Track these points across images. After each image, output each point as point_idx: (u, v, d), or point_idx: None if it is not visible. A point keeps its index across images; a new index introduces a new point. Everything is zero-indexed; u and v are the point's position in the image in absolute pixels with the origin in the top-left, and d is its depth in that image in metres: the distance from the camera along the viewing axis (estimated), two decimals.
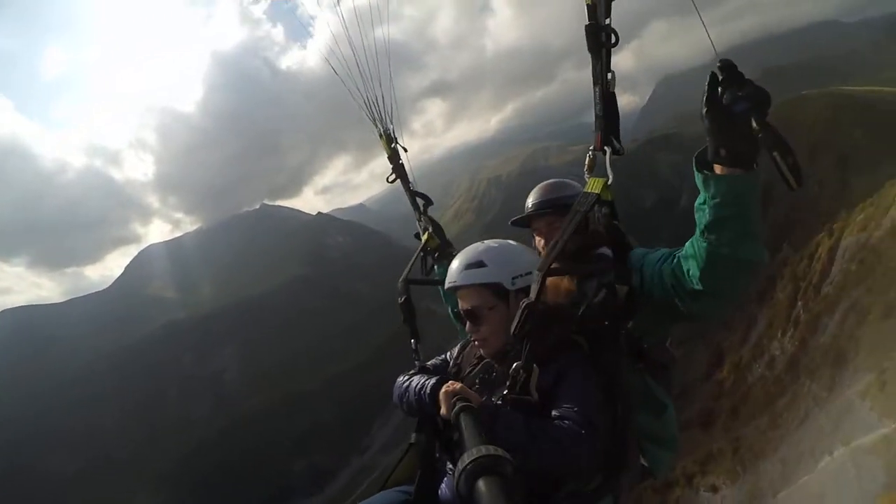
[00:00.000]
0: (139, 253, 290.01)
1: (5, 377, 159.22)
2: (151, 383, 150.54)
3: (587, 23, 2.12)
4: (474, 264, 2.50)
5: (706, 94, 1.86)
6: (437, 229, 4.14)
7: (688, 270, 2.23)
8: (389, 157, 4.29)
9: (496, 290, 2.49)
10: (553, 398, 2.25)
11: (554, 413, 2.19)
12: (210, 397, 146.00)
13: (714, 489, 29.05)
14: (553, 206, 3.08)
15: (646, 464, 2.77)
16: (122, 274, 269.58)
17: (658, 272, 2.43)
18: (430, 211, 4.30)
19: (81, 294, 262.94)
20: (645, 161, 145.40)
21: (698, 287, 2.18)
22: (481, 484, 1.27)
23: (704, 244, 2.07)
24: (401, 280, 3.69)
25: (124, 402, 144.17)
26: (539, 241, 3.20)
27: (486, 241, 2.64)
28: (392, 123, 4.27)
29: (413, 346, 3.42)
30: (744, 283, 2.18)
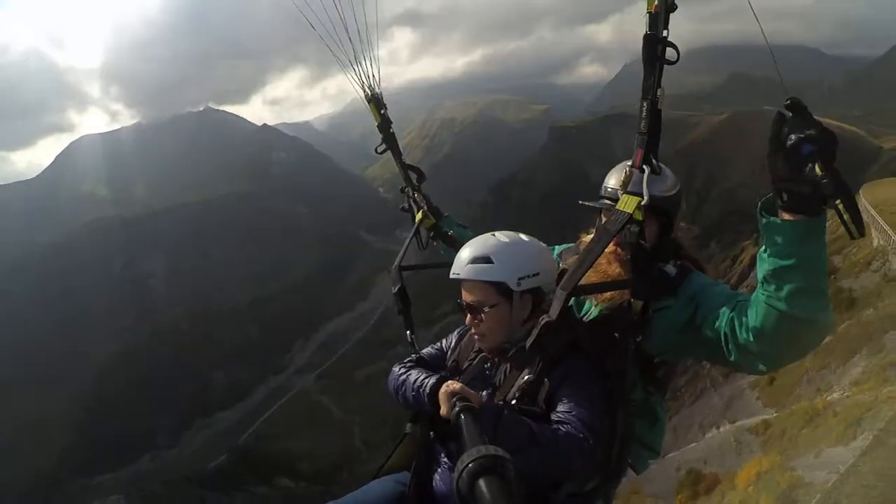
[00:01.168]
0: (71, 144, 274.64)
1: None
2: (75, 283, 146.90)
3: (646, 32, 2.05)
4: (481, 259, 2.44)
5: (771, 134, 1.77)
6: (432, 207, 3.91)
7: (744, 321, 2.11)
8: (379, 126, 3.94)
9: (500, 289, 2.44)
10: (555, 401, 2.27)
11: (555, 417, 2.21)
12: (135, 303, 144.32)
13: None
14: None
15: (630, 460, 2.77)
16: (52, 163, 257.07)
17: (715, 314, 2.30)
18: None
19: (8, 181, 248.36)
20: (600, 135, 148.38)
21: (751, 340, 2.07)
22: (481, 483, 1.26)
23: (763, 296, 1.96)
24: (393, 267, 3.46)
25: (48, 303, 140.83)
26: (585, 238, 2.99)
27: (497, 234, 2.57)
28: (380, 87, 3.92)
29: (409, 337, 3.21)
30: (803, 345, 2.09)
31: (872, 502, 6.36)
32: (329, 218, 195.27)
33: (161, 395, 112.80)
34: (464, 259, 2.49)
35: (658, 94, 2.12)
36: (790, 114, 1.76)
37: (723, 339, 2.22)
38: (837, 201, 1.70)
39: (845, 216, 1.70)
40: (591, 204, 2.89)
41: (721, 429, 25.93)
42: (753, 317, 2.04)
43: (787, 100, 1.76)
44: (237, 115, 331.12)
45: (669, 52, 2.07)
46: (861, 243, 31.24)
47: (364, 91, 3.88)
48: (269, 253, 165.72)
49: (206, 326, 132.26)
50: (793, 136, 1.72)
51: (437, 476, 2.61)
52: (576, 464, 2.10)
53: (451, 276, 2.55)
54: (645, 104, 2.15)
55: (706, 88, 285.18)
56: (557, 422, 2.17)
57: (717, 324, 2.26)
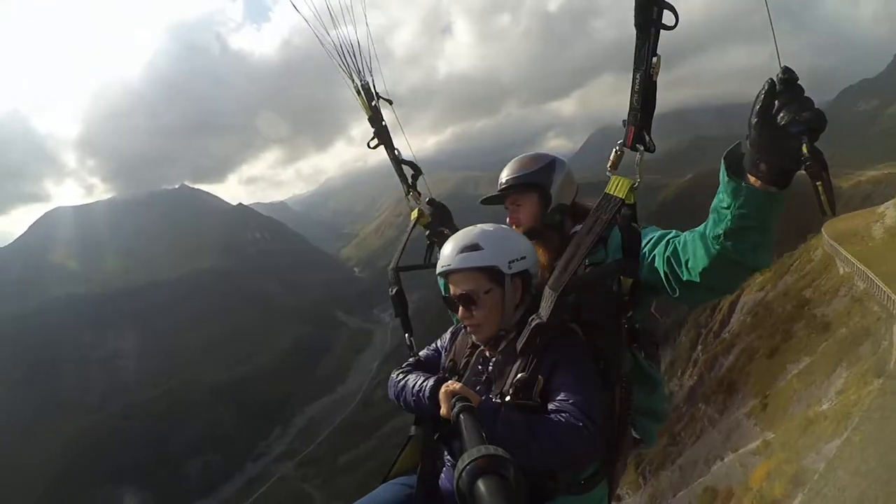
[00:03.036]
0: (44, 214, 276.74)
1: None
2: (43, 358, 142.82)
3: None
4: (469, 247, 2.43)
5: (761, 104, 1.69)
6: (441, 213, 3.77)
7: (686, 261, 2.12)
8: (370, 119, 3.69)
9: (492, 274, 2.42)
10: (550, 389, 2.25)
11: (551, 406, 2.18)
12: (103, 382, 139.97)
13: (618, 499, 32.26)
14: (527, 182, 2.89)
15: (636, 435, 2.78)
16: (25, 234, 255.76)
17: (651, 255, 2.32)
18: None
19: None
20: None
21: (696, 280, 2.09)
22: (481, 484, 1.26)
23: (717, 247, 1.96)
24: (390, 268, 3.40)
25: (11, 377, 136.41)
26: (511, 219, 3.00)
27: (480, 225, 2.58)
28: (372, 76, 3.61)
29: (406, 339, 3.17)
30: (743, 282, 2.21)
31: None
32: (304, 297, 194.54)
33: (127, 483, 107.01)
34: (451, 251, 2.48)
35: (654, 62, 1.93)
36: (781, 86, 1.65)
37: (663, 278, 2.24)
38: (818, 182, 1.65)
39: (822, 197, 1.66)
40: (491, 195, 3.08)
41: (725, 459, 26.73)
42: (700, 260, 2.04)
43: (782, 69, 1.65)
44: (212, 194, 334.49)
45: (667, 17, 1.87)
46: (827, 275, 34.75)
47: (353, 81, 3.61)
48: (245, 332, 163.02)
49: (180, 409, 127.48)
50: (783, 114, 1.65)
51: (443, 475, 2.62)
52: (578, 452, 2.11)
53: (440, 269, 2.53)
54: (638, 75, 1.97)
55: (670, 152, 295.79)
56: (554, 411, 2.16)
57: (655, 264, 2.28)
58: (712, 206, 1.97)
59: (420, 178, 3.84)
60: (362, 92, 3.61)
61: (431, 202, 3.73)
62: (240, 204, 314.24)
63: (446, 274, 2.53)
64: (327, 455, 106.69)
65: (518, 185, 2.86)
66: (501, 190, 2.98)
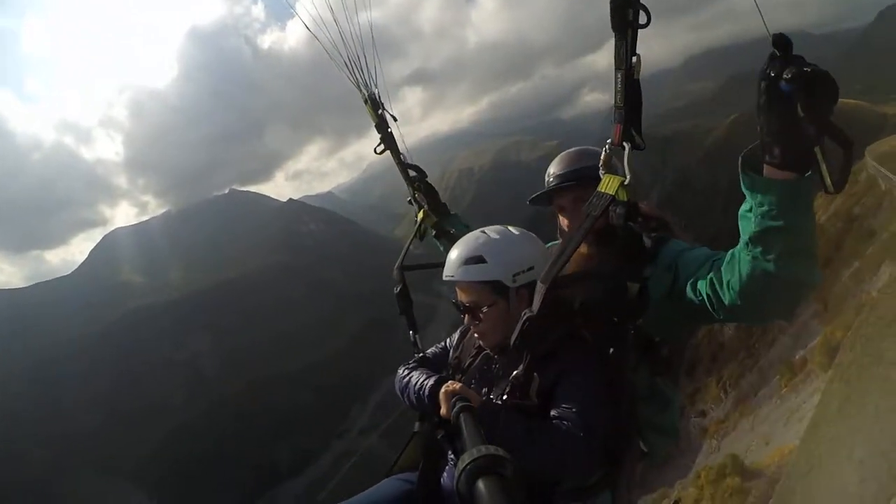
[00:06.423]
0: (104, 237, 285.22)
1: None
2: (122, 369, 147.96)
3: None
4: (473, 259, 2.38)
5: (758, 78, 1.62)
6: (434, 203, 3.87)
7: (727, 282, 2.03)
8: (377, 126, 3.87)
9: (496, 287, 2.38)
10: (554, 397, 2.22)
11: (553, 413, 2.17)
12: (185, 383, 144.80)
13: (703, 414, 32.95)
14: (579, 179, 2.73)
15: (645, 449, 2.71)
16: (87, 259, 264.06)
17: (694, 277, 2.26)
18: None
19: (43, 279, 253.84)
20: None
21: (737, 302, 2.00)
22: (481, 484, 1.26)
23: (748, 257, 1.87)
24: (395, 267, 3.46)
25: (95, 389, 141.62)
26: (563, 221, 2.90)
27: (486, 231, 2.51)
28: (377, 87, 3.84)
29: (412, 337, 3.23)
30: (792, 303, 2.01)
31: None
32: (365, 280, 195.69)
33: (221, 471, 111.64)
34: (456, 260, 2.43)
35: (633, 62, 1.93)
36: (776, 53, 1.57)
37: (707, 301, 2.16)
38: (817, 147, 1.56)
39: (821, 165, 1.57)
40: (537, 194, 2.88)
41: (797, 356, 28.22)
42: (738, 277, 1.95)
43: (772, 36, 1.57)
44: (262, 194, 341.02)
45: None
46: (872, 193, 37.59)
47: (361, 92, 3.84)
48: (314, 320, 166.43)
49: (262, 399, 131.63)
50: (772, 75, 1.56)
51: (445, 474, 2.63)
52: (575, 461, 2.07)
53: (445, 278, 2.48)
54: (619, 75, 1.96)
55: (708, 94, 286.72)
56: (556, 418, 2.14)
57: (698, 286, 2.21)
58: (739, 213, 1.89)
59: (424, 179, 3.94)
60: (369, 102, 3.84)
61: (415, 167, 3.92)
62: (290, 199, 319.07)
63: (452, 283, 2.50)
64: (409, 422, 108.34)
65: (588, 179, 2.51)
66: (561, 185, 2.78)
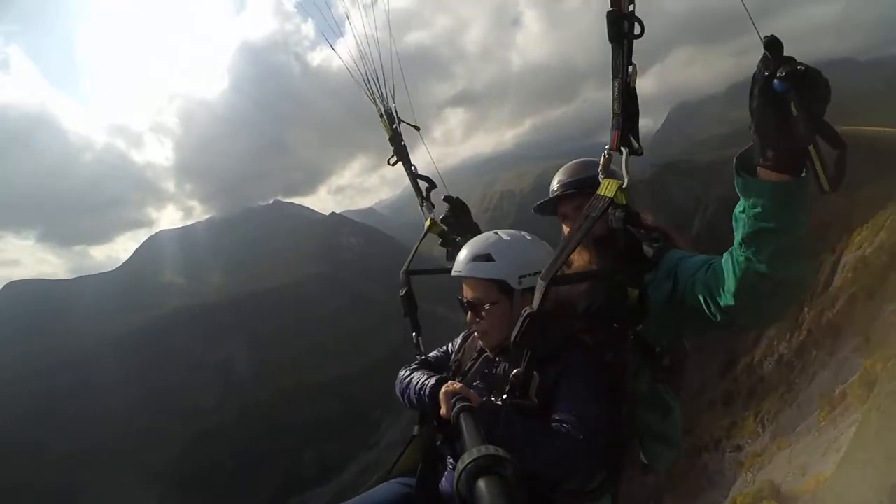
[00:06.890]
0: (149, 238, 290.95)
1: (9, 350, 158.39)
2: (159, 368, 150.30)
3: (609, 9, 1.92)
4: (482, 257, 2.44)
5: (753, 80, 1.67)
6: (458, 210, 3.90)
7: (722, 283, 2.09)
8: (391, 139, 3.99)
9: (501, 286, 2.43)
10: (555, 399, 2.24)
11: (554, 416, 2.18)
12: (218, 386, 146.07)
13: (738, 448, 32.13)
14: (581, 187, 2.90)
15: (645, 460, 2.76)
16: (131, 257, 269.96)
17: (691, 281, 2.33)
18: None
19: (87, 273, 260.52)
20: (659, 186, 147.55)
21: (732, 303, 2.05)
22: (481, 484, 1.26)
23: (741, 258, 1.91)
24: (402, 271, 3.53)
25: (130, 386, 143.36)
26: (566, 228, 3.03)
27: (499, 232, 2.56)
28: (395, 102, 3.96)
29: (414, 339, 3.28)
30: (785, 303, 2.04)
31: None
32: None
33: (247, 475, 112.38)
34: (465, 257, 2.51)
35: (630, 71, 2.00)
36: (768, 53, 1.62)
37: (704, 304, 2.23)
38: (811, 146, 1.56)
39: (817, 164, 1.57)
40: (542, 202, 3.12)
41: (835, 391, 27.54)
42: (732, 279, 2.00)
43: (764, 38, 1.62)
44: (305, 206, 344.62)
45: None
46: None
47: (377, 106, 3.98)
48: (349, 332, 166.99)
49: (293, 406, 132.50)
50: (765, 76, 1.61)
51: (443, 479, 2.63)
52: (574, 463, 2.10)
53: (453, 273, 2.57)
54: (616, 84, 2.03)
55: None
56: (557, 420, 2.15)
57: (695, 289, 2.28)
58: (733, 214, 1.93)
59: (433, 190, 4.03)
60: (384, 115, 3.98)
61: (448, 199, 3.91)
62: (332, 213, 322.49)
63: (459, 279, 2.59)
64: None
65: (591, 187, 2.46)
66: (565, 193, 3.02)
